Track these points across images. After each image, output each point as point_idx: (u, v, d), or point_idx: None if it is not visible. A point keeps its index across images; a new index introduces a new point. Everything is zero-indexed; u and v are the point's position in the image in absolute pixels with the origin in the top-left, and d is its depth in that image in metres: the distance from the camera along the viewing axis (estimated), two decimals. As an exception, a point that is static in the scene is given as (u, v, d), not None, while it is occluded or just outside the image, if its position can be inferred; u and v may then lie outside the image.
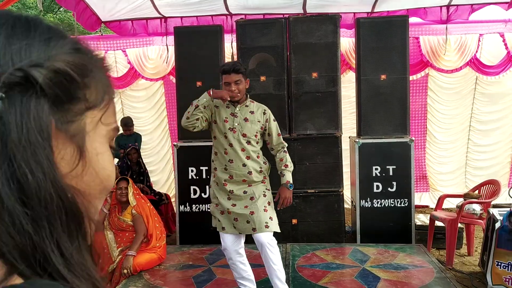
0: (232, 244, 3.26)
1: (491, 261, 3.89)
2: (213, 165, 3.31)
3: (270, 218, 3.20)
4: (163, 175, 7.14)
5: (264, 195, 3.26)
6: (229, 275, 4.03)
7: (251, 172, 3.20)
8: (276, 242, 3.26)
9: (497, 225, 3.87)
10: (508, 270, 3.79)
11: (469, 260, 4.70)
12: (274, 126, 3.32)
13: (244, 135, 3.19)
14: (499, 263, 3.84)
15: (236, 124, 3.19)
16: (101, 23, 6.06)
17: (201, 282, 3.87)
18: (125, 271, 3.95)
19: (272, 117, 3.34)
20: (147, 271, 4.12)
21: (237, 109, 3.23)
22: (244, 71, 3.21)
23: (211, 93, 3.17)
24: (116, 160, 6.00)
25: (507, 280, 3.78)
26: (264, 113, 3.29)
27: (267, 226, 3.16)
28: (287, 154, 3.35)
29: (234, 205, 3.22)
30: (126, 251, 4.09)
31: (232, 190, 3.21)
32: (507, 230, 3.77)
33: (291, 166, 3.31)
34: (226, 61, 5.63)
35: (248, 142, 3.21)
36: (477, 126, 6.92)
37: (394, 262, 4.22)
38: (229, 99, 3.15)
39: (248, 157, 3.20)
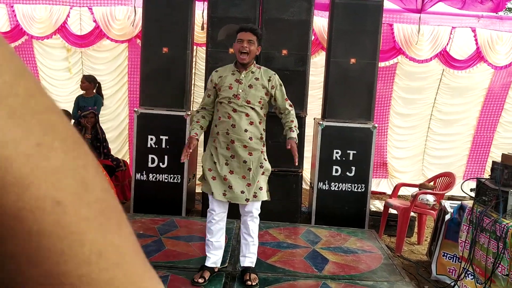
0: (219, 207, 3.32)
1: (438, 251, 3.97)
2: (216, 129, 3.31)
3: (260, 188, 3.29)
4: (117, 142, 6.95)
5: (261, 166, 3.30)
6: (179, 247, 3.98)
7: (251, 138, 3.24)
8: (258, 212, 3.38)
9: (447, 217, 3.94)
10: (453, 261, 3.88)
11: (418, 248, 4.80)
12: (279, 91, 3.34)
13: (248, 102, 3.22)
14: (445, 254, 3.93)
15: (240, 90, 3.23)
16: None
17: (149, 253, 3.80)
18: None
19: (279, 82, 3.35)
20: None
21: (242, 75, 3.26)
22: (260, 36, 3.27)
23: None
24: (73, 121, 5.79)
25: (451, 271, 3.87)
26: (269, 80, 3.30)
27: (255, 196, 3.27)
28: (295, 120, 3.37)
29: (231, 172, 3.26)
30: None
31: (233, 155, 3.24)
32: (456, 222, 3.84)
33: (296, 131, 3.33)
34: (195, 29, 5.46)
35: (252, 109, 3.24)
36: (438, 116, 7.03)
37: (344, 246, 4.25)
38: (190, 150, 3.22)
39: (251, 123, 3.23)
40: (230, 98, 3.22)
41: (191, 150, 3.23)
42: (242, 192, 3.25)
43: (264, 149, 3.36)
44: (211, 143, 3.36)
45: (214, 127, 3.33)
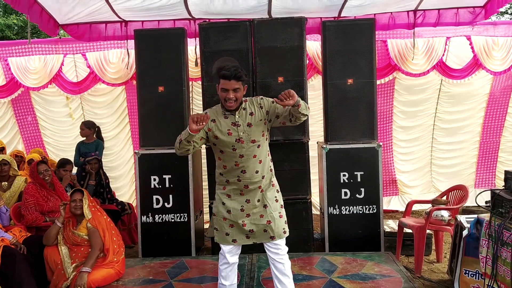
0: (232, 250, 3.20)
1: (459, 269, 3.82)
2: (222, 178, 3.17)
3: (285, 222, 3.21)
4: (125, 182, 6.89)
5: (276, 200, 3.21)
6: (191, 290, 3.84)
7: (264, 176, 3.14)
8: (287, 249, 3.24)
9: (465, 232, 3.79)
10: (476, 278, 3.72)
11: (437, 267, 4.63)
12: (275, 106, 3.08)
13: (253, 141, 3.08)
14: (467, 271, 3.77)
15: (241, 133, 3.04)
16: (59, 26, 5.79)
17: (160, 299, 3.68)
18: (79, 289, 3.71)
19: (270, 100, 3.11)
20: (103, 287, 3.89)
21: (237, 116, 3.05)
22: (245, 78, 3.00)
23: (190, 128, 2.89)
24: (76, 168, 5.74)
25: (475, 288, 3.71)
26: (261, 106, 3.09)
27: (285, 232, 3.18)
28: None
29: (248, 215, 3.13)
30: (81, 267, 3.86)
31: (249, 199, 3.12)
32: (475, 237, 3.70)
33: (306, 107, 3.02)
34: (189, 65, 5.43)
35: (259, 146, 3.11)
36: (441, 125, 6.97)
37: (361, 272, 4.10)
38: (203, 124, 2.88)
39: (260, 161, 3.12)
40: (233, 145, 3.04)
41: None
42: (265, 230, 3.12)
43: (274, 180, 3.27)
44: (220, 191, 3.21)
45: (220, 175, 3.19)
